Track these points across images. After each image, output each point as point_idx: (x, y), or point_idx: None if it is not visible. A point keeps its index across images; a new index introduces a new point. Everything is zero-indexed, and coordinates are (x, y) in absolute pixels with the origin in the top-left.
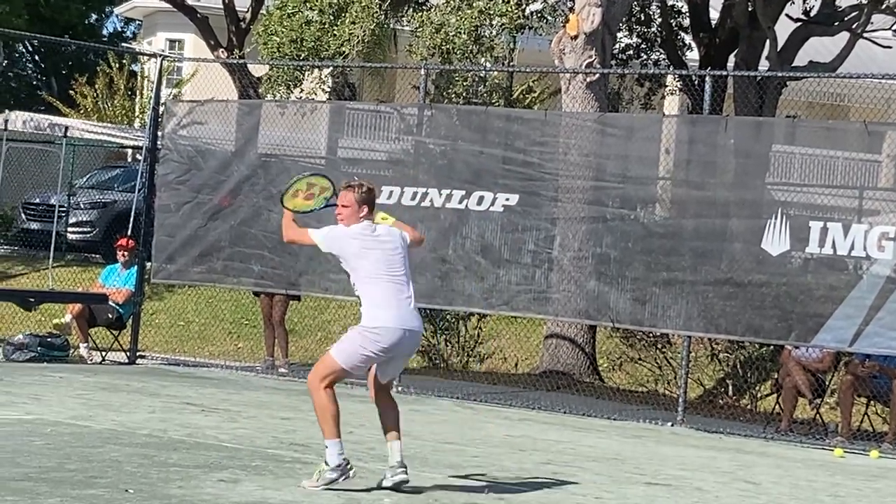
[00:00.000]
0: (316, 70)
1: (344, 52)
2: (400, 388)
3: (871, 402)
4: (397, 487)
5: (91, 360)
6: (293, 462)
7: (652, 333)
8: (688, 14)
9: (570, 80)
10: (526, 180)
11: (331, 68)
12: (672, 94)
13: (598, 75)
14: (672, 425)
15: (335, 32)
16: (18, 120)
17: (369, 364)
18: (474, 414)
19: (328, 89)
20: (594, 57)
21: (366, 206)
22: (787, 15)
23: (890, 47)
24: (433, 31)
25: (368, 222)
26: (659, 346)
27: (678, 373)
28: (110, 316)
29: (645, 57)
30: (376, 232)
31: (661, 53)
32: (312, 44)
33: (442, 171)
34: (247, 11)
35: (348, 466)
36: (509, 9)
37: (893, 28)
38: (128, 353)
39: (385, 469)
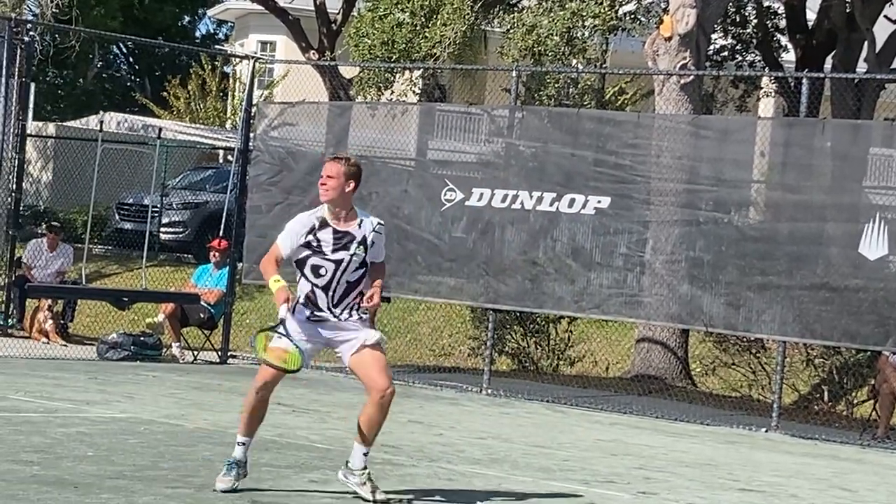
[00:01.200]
0: (407, 72)
1: (435, 53)
2: (490, 391)
3: None
4: None
5: (183, 359)
6: (383, 463)
7: (746, 338)
8: (784, 15)
9: (664, 82)
10: (618, 183)
11: (421, 70)
12: (767, 96)
13: (692, 77)
14: (766, 431)
15: (426, 34)
16: (113, 121)
17: None
18: (564, 417)
19: (419, 91)
20: (688, 58)
21: (353, 181)
22: (885, 16)
23: None
24: (525, 32)
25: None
26: (753, 350)
27: (773, 378)
28: (202, 316)
29: (740, 58)
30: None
31: (756, 55)
32: (403, 46)
33: (533, 174)
34: (338, 13)
35: None
36: (602, 10)
37: None
38: (219, 353)
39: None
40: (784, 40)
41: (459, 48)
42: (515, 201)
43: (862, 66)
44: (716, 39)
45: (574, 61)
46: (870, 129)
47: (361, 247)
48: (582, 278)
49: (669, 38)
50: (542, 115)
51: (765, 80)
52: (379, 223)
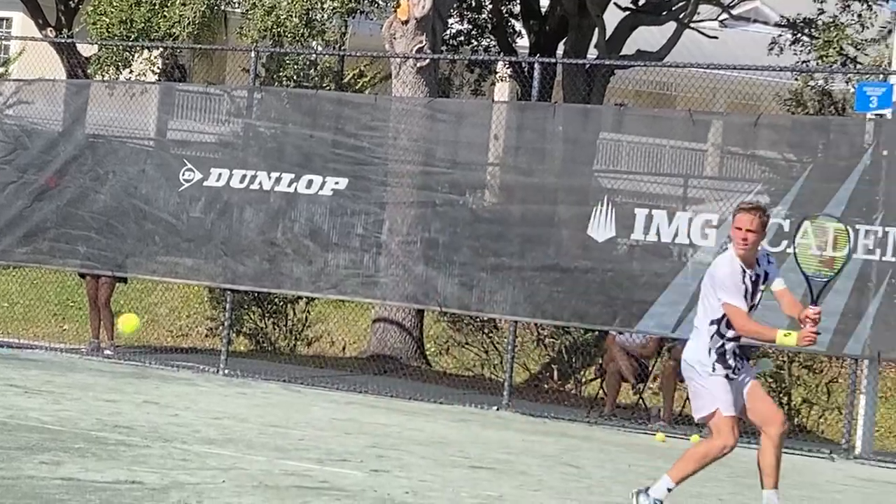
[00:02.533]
0: (146, 51)
1: (174, 33)
2: (227, 371)
3: None
4: None
5: None
6: (117, 444)
7: (479, 318)
8: (518, 1)
9: (401, 65)
10: (356, 164)
11: (160, 49)
12: (502, 80)
13: (428, 60)
14: (498, 409)
15: (165, 14)
16: None
17: None
18: (301, 397)
19: (158, 70)
20: (424, 42)
21: (765, 232)
22: (615, 4)
23: (716, 37)
24: (264, 13)
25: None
26: (486, 330)
27: (504, 357)
28: None
29: (475, 43)
30: None
31: (491, 40)
32: (142, 25)
33: (271, 155)
34: None
35: None
36: None
37: (719, 18)
38: None
39: None
40: (518, 26)
41: (198, 28)
42: (254, 182)
43: (593, 53)
44: (452, 24)
45: (313, 43)
46: (600, 113)
47: (764, 284)
48: (319, 259)
49: (406, 22)
50: (282, 96)
51: (500, 64)
52: (767, 253)
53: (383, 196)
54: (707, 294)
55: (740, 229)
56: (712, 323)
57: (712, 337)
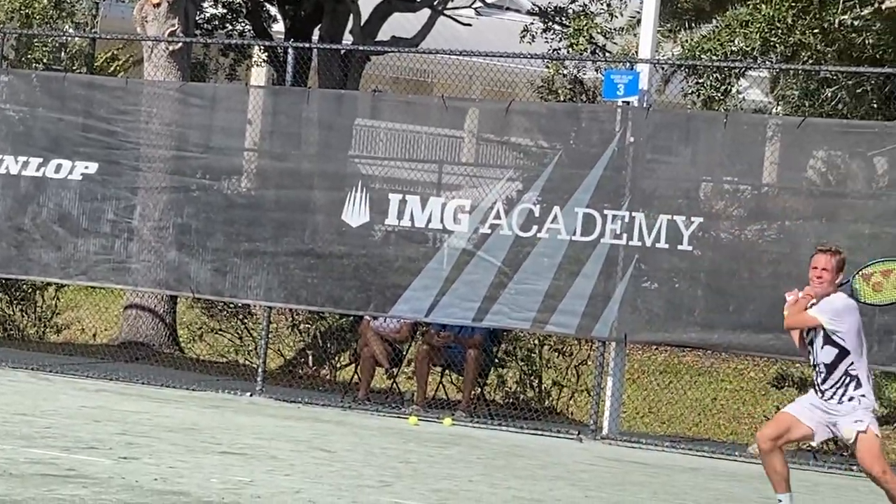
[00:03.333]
0: None
1: None
2: None
3: (446, 371)
4: None
5: None
6: None
7: (233, 304)
8: None
9: (153, 49)
10: (107, 149)
11: None
12: (258, 65)
13: (180, 44)
14: (251, 395)
15: None
16: None
17: None
18: (49, 385)
19: None
20: (177, 26)
21: (840, 273)
22: None
23: (470, 25)
24: None
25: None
26: (240, 316)
27: (258, 343)
28: None
29: (230, 27)
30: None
31: (246, 24)
32: None
33: (19, 139)
34: None
35: None
36: None
37: (473, 6)
38: None
39: None
40: (273, 10)
41: None
42: (0, 166)
43: (348, 38)
44: (206, 8)
45: (64, 25)
46: (355, 99)
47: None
48: (69, 244)
49: (158, 5)
50: (30, 78)
51: (255, 49)
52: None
53: (135, 181)
54: None
55: (816, 268)
56: None
57: None
